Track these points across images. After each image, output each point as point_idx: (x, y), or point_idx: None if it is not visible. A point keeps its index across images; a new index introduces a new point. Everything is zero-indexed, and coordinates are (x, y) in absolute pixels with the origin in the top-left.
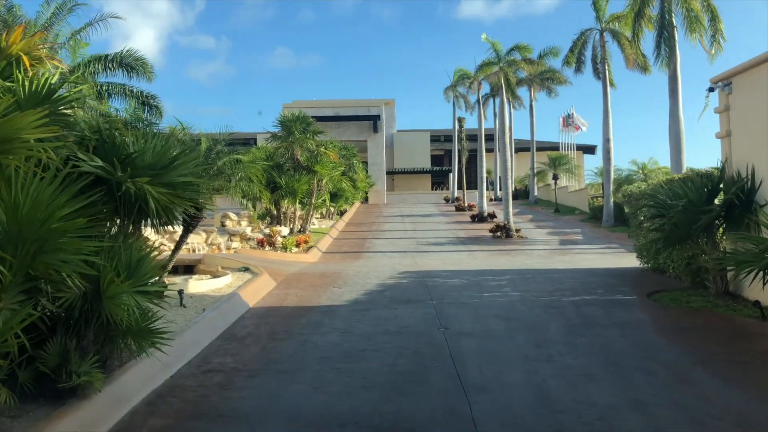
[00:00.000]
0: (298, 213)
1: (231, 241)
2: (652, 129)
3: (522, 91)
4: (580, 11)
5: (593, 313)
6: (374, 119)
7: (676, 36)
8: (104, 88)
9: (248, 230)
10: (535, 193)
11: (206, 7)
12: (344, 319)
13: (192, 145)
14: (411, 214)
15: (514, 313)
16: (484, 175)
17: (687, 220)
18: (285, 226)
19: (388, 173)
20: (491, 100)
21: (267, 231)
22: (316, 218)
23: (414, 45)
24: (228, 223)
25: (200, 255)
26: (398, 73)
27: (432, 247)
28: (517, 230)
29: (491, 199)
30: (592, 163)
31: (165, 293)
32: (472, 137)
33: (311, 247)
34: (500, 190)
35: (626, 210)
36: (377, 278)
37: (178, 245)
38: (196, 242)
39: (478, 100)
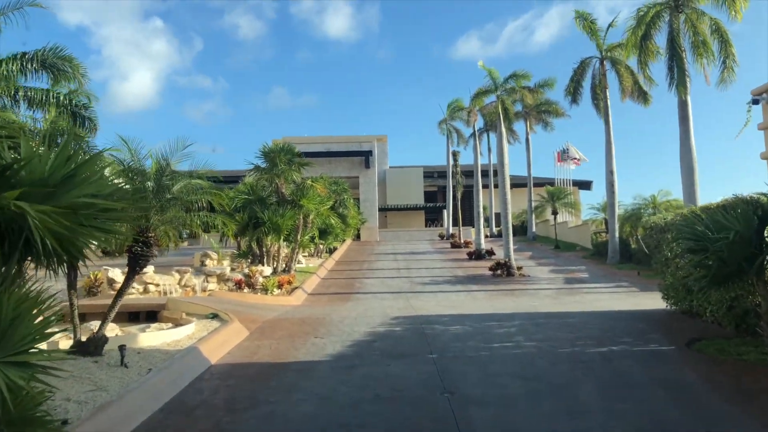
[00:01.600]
0: (283, 251)
1: (207, 282)
2: (651, 165)
3: (517, 126)
4: (574, 50)
5: (628, 368)
6: (366, 155)
7: (685, 59)
8: (21, 93)
9: (227, 270)
10: (533, 229)
11: (204, 48)
12: (324, 381)
13: (97, 157)
14: (404, 252)
15: (534, 370)
16: (481, 210)
17: (737, 255)
18: (268, 265)
19: (380, 210)
20: (486, 134)
21: (246, 271)
22: (304, 256)
23: (409, 85)
24: (208, 262)
25: (164, 299)
26: (392, 112)
27: (428, 287)
28: (519, 268)
29: (487, 236)
30: (588, 199)
31: (104, 351)
32: (467, 173)
33: (295, 288)
34: (497, 226)
35: (642, 245)
36: (366, 325)
37: (122, 290)
38: (168, 284)
39: (473, 132)
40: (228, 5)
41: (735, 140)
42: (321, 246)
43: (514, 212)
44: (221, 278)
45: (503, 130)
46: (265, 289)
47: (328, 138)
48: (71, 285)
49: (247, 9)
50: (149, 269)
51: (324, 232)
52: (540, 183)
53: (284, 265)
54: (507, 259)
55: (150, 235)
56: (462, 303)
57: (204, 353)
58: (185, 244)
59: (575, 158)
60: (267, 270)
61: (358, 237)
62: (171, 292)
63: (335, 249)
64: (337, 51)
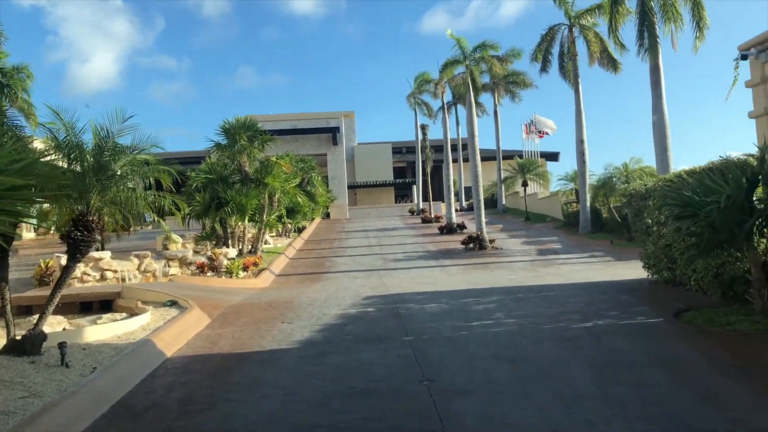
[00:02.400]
0: (249, 232)
1: (169, 266)
2: (622, 134)
3: (485, 98)
4: (540, 24)
5: (619, 345)
6: (333, 131)
7: (656, 23)
8: None
9: (190, 254)
10: (503, 202)
11: (166, 27)
12: (291, 372)
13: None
14: (375, 228)
15: (518, 350)
16: (452, 183)
17: (728, 220)
18: (233, 247)
19: (349, 187)
20: (454, 107)
21: (209, 254)
22: (271, 236)
23: (377, 62)
24: (171, 246)
25: (119, 287)
26: (361, 89)
27: (400, 264)
28: (491, 241)
29: (458, 210)
30: (556, 170)
31: (43, 349)
32: (436, 147)
33: (262, 269)
34: (467, 200)
35: (614, 213)
36: (337, 307)
37: (61, 279)
38: (127, 270)
39: (442, 105)
40: None
41: (724, 103)
42: (289, 225)
43: (484, 185)
44: (183, 262)
45: (473, 101)
46: (229, 272)
47: (294, 115)
48: (1, 276)
49: None
50: (106, 254)
51: (292, 211)
52: (508, 156)
53: (250, 247)
54: (479, 233)
55: (90, 218)
56: (436, 279)
57: (159, 345)
58: (149, 227)
59: (543, 131)
60: (232, 252)
61: (327, 215)
62: (130, 279)
63: (304, 228)
64: (304, 28)
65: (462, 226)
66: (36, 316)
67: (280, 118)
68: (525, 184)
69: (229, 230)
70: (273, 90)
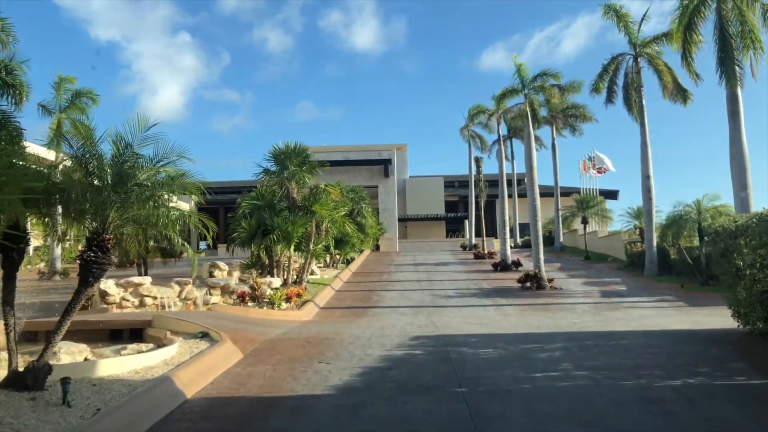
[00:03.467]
0: (295, 261)
1: (210, 294)
2: (687, 172)
3: (542, 132)
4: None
5: (722, 412)
6: (385, 163)
7: (735, 48)
8: None
9: (233, 282)
10: (560, 240)
11: (231, 62)
12: (322, 426)
13: None
14: (425, 263)
15: (594, 412)
16: (507, 218)
17: None
18: (278, 276)
19: (400, 220)
20: (509, 142)
21: (251, 283)
22: (318, 267)
23: (433, 98)
24: (217, 273)
25: (151, 315)
26: (416, 125)
27: (452, 301)
28: (550, 280)
29: (511, 247)
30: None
31: (47, 383)
32: (490, 182)
33: (306, 301)
34: (520, 237)
35: (685, 254)
36: (381, 347)
37: (71, 304)
38: (167, 297)
39: (498, 137)
40: (257, 20)
41: None
42: (337, 256)
43: (542, 222)
44: (225, 290)
45: (531, 131)
46: (271, 303)
47: (346, 147)
48: (5, 300)
49: (276, 23)
50: (146, 280)
51: (340, 242)
52: (564, 193)
53: (295, 277)
54: (537, 271)
55: (106, 237)
56: (491, 319)
57: (178, 384)
58: (202, 254)
59: (600, 167)
60: (276, 282)
61: (377, 248)
62: (169, 306)
63: (352, 260)
64: (363, 64)
65: (517, 264)
66: (71, 345)
67: (332, 150)
68: (585, 222)
69: (275, 259)
70: (330, 124)
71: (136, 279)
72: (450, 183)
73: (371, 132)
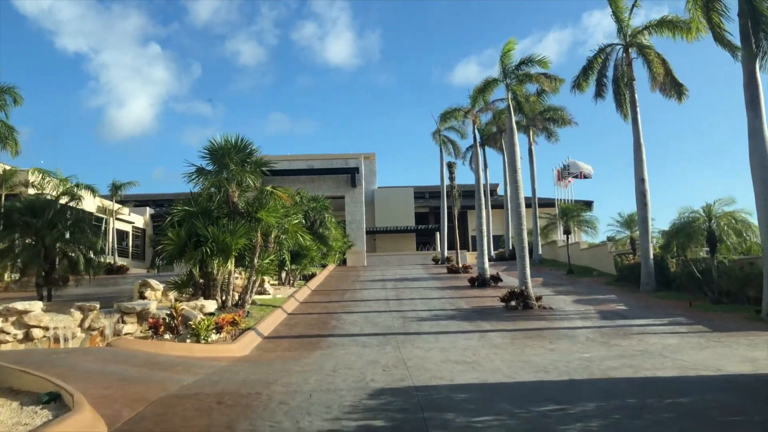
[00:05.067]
0: (239, 279)
1: (123, 323)
2: (674, 179)
3: (519, 139)
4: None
5: None
6: (352, 172)
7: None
8: None
9: (152, 306)
10: (539, 252)
11: (203, 75)
12: None
13: None
14: (395, 278)
15: None
16: (484, 228)
17: None
18: (214, 298)
19: (368, 232)
20: (482, 150)
21: (168, 311)
22: (272, 285)
23: (407, 111)
24: (148, 293)
25: None
26: (388, 137)
27: (425, 326)
28: (538, 298)
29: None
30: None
31: None
32: (463, 193)
33: (246, 330)
34: (495, 249)
35: (692, 267)
36: (325, 412)
37: None
38: (63, 327)
39: (474, 139)
40: (230, 32)
41: None
42: (295, 272)
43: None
44: (143, 317)
45: (513, 126)
46: (196, 335)
47: (311, 156)
48: None
49: (249, 35)
50: (35, 306)
51: (297, 255)
52: (538, 204)
53: (236, 298)
54: (523, 288)
55: None
56: (478, 354)
57: None
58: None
59: (578, 173)
60: (210, 305)
61: (344, 262)
62: (66, 339)
63: (313, 276)
64: (337, 77)
65: (497, 278)
66: None
67: (295, 158)
68: (567, 232)
69: (211, 277)
70: (303, 137)
71: (20, 305)
72: (420, 194)
73: (343, 144)
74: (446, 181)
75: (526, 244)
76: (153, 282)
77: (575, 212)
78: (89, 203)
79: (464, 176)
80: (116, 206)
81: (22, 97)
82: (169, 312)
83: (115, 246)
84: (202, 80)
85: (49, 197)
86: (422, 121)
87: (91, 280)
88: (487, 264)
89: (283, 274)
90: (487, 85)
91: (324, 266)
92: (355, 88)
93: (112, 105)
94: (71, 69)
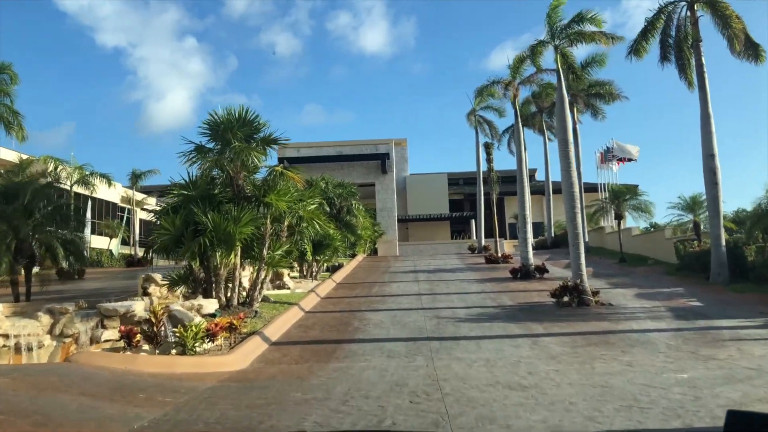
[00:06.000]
0: (244, 272)
1: (103, 327)
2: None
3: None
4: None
5: None
6: (382, 158)
7: None
8: None
9: (138, 307)
10: (586, 239)
11: (239, 67)
12: None
13: None
14: (428, 269)
15: None
16: (528, 212)
17: None
18: (215, 296)
19: (400, 221)
20: (520, 131)
21: (148, 313)
22: (293, 278)
23: (442, 98)
24: (152, 289)
25: None
26: (424, 125)
27: (464, 329)
28: (594, 292)
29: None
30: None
31: None
32: (501, 178)
33: (250, 334)
34: (534, 237)
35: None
36: None
37: None
38: (26, 335)
39: (516, 113)
40: (265, 23)
41: None
42: (318, 264)
43: (558, 221)
44: (128, 320)
45: (564, 94)
46: (182, 344)
47: (339, 142)
48: None
49: (284, 27)
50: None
51: (320, 245)
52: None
53: (244, 295)
54: (577, 280)
55: None
56: (535, 371)
57: None
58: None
59: (622, 157)
60: (210, 305)
61: (375, 251)
62: (30, 349)
63: (340, 266)
64: (372, 66)
65: (542, 269)
66: None
67: (324, 145)
68: (619, 217)
69: (214, 271)
70: (337, 127)
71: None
72: (454, 180)
73: (377, 133)
74: (482, 166)
75: (581, 230)
76: (157, 276)
77: (629, 195)
78: (112, 193)
79: (500, 162)
80: (141, 196)
81: (16, 74)
82: (146, 318)
83: (137, 238)
84: (238, 72)
85: (61, 185)
86: (456, 109)
87: (77, 275)
88: (531, 253)
89: (305, 267)
90: (533, 50)
91: (353, 256)
92: (389, 77)
93: (151, 99)
94: (110, 64)
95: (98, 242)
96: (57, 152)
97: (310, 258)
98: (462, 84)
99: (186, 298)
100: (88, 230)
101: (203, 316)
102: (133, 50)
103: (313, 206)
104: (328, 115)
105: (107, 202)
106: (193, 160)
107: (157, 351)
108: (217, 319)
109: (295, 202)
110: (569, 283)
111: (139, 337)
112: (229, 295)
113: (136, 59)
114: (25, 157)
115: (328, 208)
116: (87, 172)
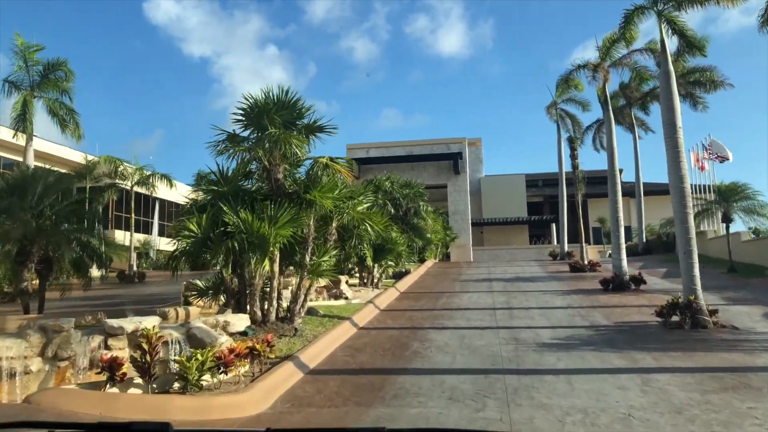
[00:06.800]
0: (282, 282)
1: (107, 347)
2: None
3: (653, 113)
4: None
5: None
6: (455, 158)
7: None
8: None
9: (148, 323)
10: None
11: (318, 73)
12: None
13: None
14: (505, 277)
15: None
16: (621, 213)
17: None
18: (249, 309)
19: (474, 224)
20: (606, 129)
21: (149, 334)
22: (351, 285)
23: (521, 100)
24: (194, 298)
25: None
26: (502, 128)
27: (549, 359)
28: (711, 312)
29: (609, 255)
30: None
31: None
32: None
33: (284, 358)
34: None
35: None
36: None
37: None
38: (9, 357)
39: (606, 101)
40: (343, 30)
41: None
42: (376, 271)
43: (649, 225)
44: (137, 341)
45: (670, 68)
46: (184, 377)
47: (410, 142)
48: None
49: (362, 32)
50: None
51: (381, 250)
52: (655, 192)
53: (284, 307)
54: (691, 296)
55: None
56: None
57: None
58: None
59: (717, 155)
60: (239, 321)
61: (447, 257)
62: (12, 376)
63: (407, 272)
64: (449, 69)
65: (638, 280)
66: None
67: (393, 145)
68: (727, 220)
69: (254, 281)
70: (415, 130)
71: None
72: (533, 182)
73: (452, 135)
74: (565, 165)
75: (693, 234)
76: (201, 283)
77: (740, 195)
78: (175, 194)
79: (583, 162)
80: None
81: (72, 71)
82: (137, 344)
83: None
84: (317, 78)
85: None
86: (535, 113)
87: (138, 279)
88: (624, 261)
89: (366, 274)
90: (627, 21)
91: (422, 261)
92: (466, 79)
93: (235, 105)
94: (198, 73)
95: (166, 244)
96: (147, 159)
97: (371, 264)
98: (541, 86)
99: (221, 311)
100: (155, 232)
101: (231, 334)
102: (218, 59)
103: (365, 205)
104: (404, 120)
105: (177, 204)
106: (224, 150)
107: (153, 386)
108: (234, 344)
109: (344, 200)
110: (680, 300)
111: (126, 367)
112: (267, 308)
113: (221, 67)
114: (90, 157)
115: (393, 210)
116: (147, 173)
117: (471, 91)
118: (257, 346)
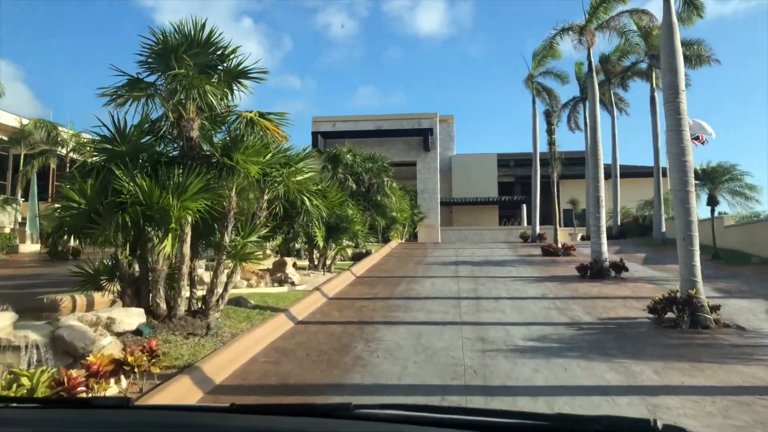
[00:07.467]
0: (228, 267)
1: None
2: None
3: (636, 90)
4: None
5: None
6: (425, 134)
7: None
8: None
9: (103, 316)
10: (662, 230)
11: (294, 48)
12: None
13: None
14: (473, 260)
15: None
16: (601, 193)
17: None
18: (151, 301)
19: (443, 204)
20: (581, 105)
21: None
22: (300, 268)
23: (498, 80)
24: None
25: None
26: (477, 107)
27: (525, 368)
28: (713, 308)
29: (581, 238)
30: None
31: None
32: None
33: (179, 370)
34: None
35: None
36: None
37: None
38: None
39: (590, 68)
40: (321, 4)
41: None
42: (330, 252)
43: (625, 207)
44: (108, 331)
45: (674, 19)
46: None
47: (379, 116)
48: None
49: (341, 7)
50: None
51: (335, 229)
52: (631, 174)
53: (200, 302)
54: (691, 290)
55: None
56: None
57: None
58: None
59: (698, 135)
60: (130, 317)
61: (414, 236)
62: None
63: (368, 253)
64: (427, 47)
65: (620, 267)
66: None
67: (361, 119)
68: (712, 203)
69: (157, 265)
70: (392, 108)
71: None
72: (504, 161)
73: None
74: (540, 145)
75: (695, 217)
76: (88, 268)
77: (727, 176)
78: None
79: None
80: None
81: None
82: None
83: None
84: (293, 54)
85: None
86: (510, 94)
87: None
88: (605, 245)
89: (333, 253)
90: None
91: (386, 242)
92: (444, 58)
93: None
94: None
95: None
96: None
97: (321, 245)
98: (519, 67)
99: (125, 304)
100: None
101: (119, 334)
102: None
103: (307, 174)
104: (382, 98)
105: None
106: (123, 99)
107: None
108: (121, 350)
109: (278, 167)
110: (675, 295)
111: None
112: (173, 298)
113: None
114: (26, 122)
115: (354, 186)
116: (84, 139)
117: (449, 71)
118: (130, 359)
